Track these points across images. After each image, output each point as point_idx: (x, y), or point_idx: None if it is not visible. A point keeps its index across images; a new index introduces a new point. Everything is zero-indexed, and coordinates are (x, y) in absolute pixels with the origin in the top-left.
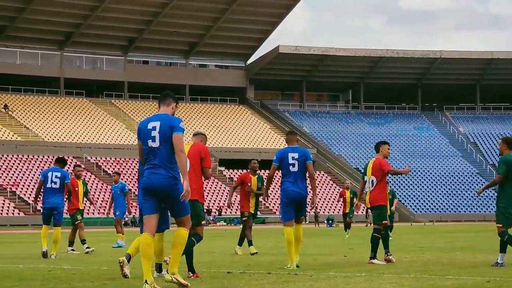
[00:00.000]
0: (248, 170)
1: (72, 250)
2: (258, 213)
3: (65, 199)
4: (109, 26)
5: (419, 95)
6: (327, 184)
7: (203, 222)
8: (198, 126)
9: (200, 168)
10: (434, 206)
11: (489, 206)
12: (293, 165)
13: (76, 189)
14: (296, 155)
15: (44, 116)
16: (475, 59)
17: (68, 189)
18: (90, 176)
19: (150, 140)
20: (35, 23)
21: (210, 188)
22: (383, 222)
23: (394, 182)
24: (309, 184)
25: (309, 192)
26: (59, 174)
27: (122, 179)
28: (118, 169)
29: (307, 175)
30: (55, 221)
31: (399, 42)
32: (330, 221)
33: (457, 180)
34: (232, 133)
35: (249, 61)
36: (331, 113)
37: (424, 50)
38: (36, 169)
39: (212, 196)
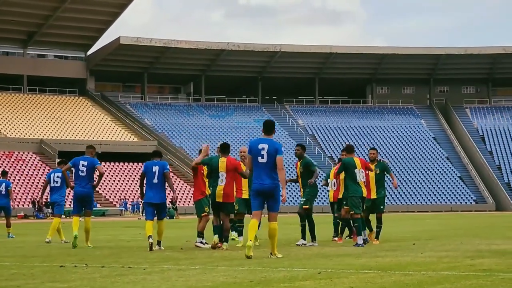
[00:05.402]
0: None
1: (201, 242)
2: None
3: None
4: None
5: (259, 88)
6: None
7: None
8: (36, 117)
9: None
10: None
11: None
12: None
13: (202, 171)
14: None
15: None
16: (314, 53)
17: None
18: None
19: (260, 157)
20: None
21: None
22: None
23: None
24: None
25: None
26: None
27: None
28: None
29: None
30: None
31: (241, 36)
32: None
33: (296, 172)
34: (72, 125)
35: (89, 52)
36: (172, 105)
37: (264, 44)
38: None
39: None
